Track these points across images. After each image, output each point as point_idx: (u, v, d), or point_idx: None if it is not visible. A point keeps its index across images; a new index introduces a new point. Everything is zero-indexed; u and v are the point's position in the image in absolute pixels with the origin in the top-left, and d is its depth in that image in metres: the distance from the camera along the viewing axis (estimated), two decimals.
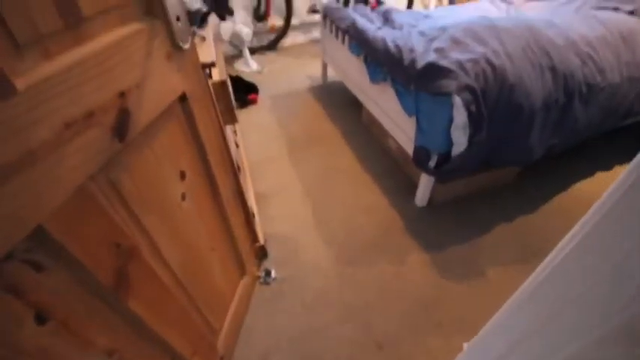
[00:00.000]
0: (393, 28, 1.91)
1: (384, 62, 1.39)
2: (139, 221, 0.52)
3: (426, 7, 3.47)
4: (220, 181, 0.80)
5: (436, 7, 3.37)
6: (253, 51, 2.93)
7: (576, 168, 1.72)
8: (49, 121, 0.35)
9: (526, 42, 1.22)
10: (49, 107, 0.35)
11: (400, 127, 1.48)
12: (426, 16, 2.12)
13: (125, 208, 0.49)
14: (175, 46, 0.55)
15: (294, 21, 2.96)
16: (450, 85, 1.07)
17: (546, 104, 1.21)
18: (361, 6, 2.06)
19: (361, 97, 1.88)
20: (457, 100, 1.06)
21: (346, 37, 1.79)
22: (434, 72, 1.12)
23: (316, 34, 3.23)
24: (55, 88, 0.36)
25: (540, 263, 0.48)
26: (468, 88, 1.07)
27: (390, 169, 1.76)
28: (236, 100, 2.27)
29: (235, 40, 2.60)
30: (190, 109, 0.62)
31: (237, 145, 1.59)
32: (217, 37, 2.53)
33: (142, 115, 0.49)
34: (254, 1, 2.72)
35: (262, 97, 2.39)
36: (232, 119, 0.92)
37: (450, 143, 1.20)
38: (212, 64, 0.73)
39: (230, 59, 2.84)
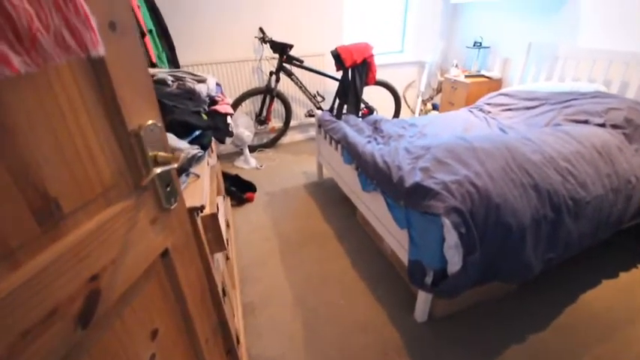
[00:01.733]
0: (382, 137, 2.07)
1: (373, 176, 1.46)
2: None
3: (412, 110, 3.83)
4: (199, 324, 0.74)
5: (421, 111, 3.72)
6: (253, 149, 3.12)
7: (580, 277, 1.65)
8: (2, 337, 0.33)
9: (505, 162, 1.30)
10: (4, 323, 0.33)
11: (393, 235, 1.47)
12: (412, 125, 2.31)
13: None
14: (162, 209, 0.56)
15: (292, 122, 3.23)
16: (438, 206, 1.09)
17: (535, 221, 1.23)
18: (352, 117, 2.27)
19: (355, 200, 1.93)
20: (447, 222, 1.07)
21: (339, 146, 1.92)
22: (422, 192, 1.17)
23: (313, 132, 3.49)
24: (18, 299, 0.34)
25: None
26: (456, 210, 1.09)
27: (387, 275, 1.69)
28: (233, 198, 2.32)
29: (237, 141, 2.79)
30: (172, 263, 0.61)
31: (227, 242, 1.55)
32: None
33: (115, 289, 0.47)
34: (256, 107, 3.01)
35: (259, 194, 2.45)
36: (221, 247, 0.91)
37: (445, 260, 1.17)
38: (201, 208, 0.74)
39: (231, 156, 3.01)
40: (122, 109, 0.46)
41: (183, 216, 0.64)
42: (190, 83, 1.13)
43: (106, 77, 0.44)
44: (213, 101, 1.32)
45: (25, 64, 0.31)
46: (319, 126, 2.28)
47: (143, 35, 1.67)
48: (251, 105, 3.04)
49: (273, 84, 2.83)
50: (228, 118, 1.33)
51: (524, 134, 1.64)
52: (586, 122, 1.92)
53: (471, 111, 2.62)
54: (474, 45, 3.18)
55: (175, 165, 0.50)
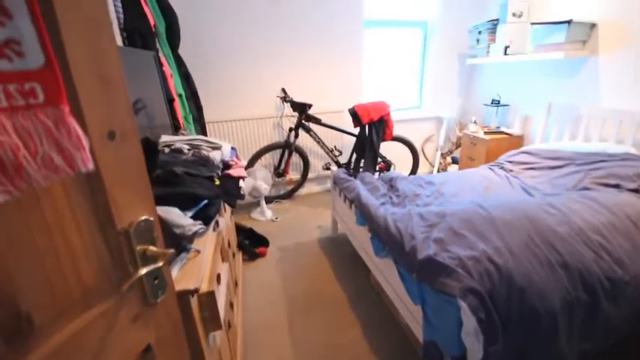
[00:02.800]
0: (397, 195, 2.03)
1: (385, 242, 1.40)
2: None
3: (431, 163, 3.80)
4: None
5: (440, 164, 3.68)
6: (271, 200, 3.15)
7: None
8: None
9: (528, 235, 1.21)
10: None
11: (408, 307, 1.36)
12: (429, 182, 2.26)
13: None
14: (147, 305, 0.55)
15: (310, 175, 3.27)
16: (453, 286, 1.01)
17: (567, 305, 1.10)
18: (368, 174, 2.26)
19: (368, 263, 1.84)
20: (463, 305, 0.98)
21: (353, 206, 1.89)
22: (435, 267, 1.09)
23: (330, 184, 3.50)
24: None
25: None
26: (473, 292, 1.00)
27: (402, 350, 1.54)
28: (245, 253, 2.29)
29: (255, 193, 2.84)
30: (154, 359, 0.58)
31: (231, 306, 1.47)
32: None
33: None
34: (275, 160, 3.09)
35: (272, 248, 2.41)
36: (217, 326, 0.87)
37: (463, 346, 1.05)
38: (195, 291, 0.72)
39: (248, 207, 3.04)
40: (113, 209, 0.47)
41: (171, 306, 0.62)
42: (205, 151, 1.18)
43: (99, 181, 0.45)
44: (227, 165, 1.36)
45: (6, 193, 0.32)
46: (334, 182, 2.28)
47: (172, 101, 1.81)
48: (270, 158, 3.13)
49: (292, 139, 2.93)
50: (241, 181, 1.36)
51: (548, 200, 1.55)
52: (617, 187, 1.80)
53: (491, 168, 2.55)
54: (492, 102, 3.20)
55: (161, 264, 0.49)
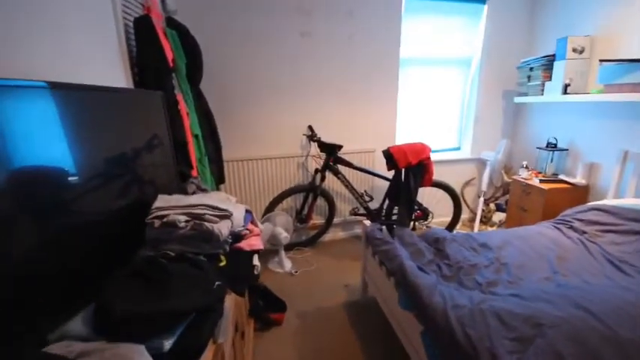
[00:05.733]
0: (448, 265, 1.64)
1: (445, 349, 1.01)
2: None
3: (472, 210, 3.36)
4: None
5: (483, 211, 3.23)
6: (291, 247, 2.81)
7: None
8: None
9: None
10: None
11: None
12: (483, 245, 1.87)
13: None
14: None
15: (336, 219, 2.92)
16: None
17: None
18: (408, 232, 1.89)
19: (411, 352, 1.43)
20: None
21: (392, 278, 1.51)
22: None
23: (358, 230, 3.13)
24: None
25: None
26: None
27: None
28: (258, 319, 1.93)
29: (273, 241, 2.51)
30: None
31: None
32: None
33: None
34: (298, 203, 2.79)
35: (289, 314, 2.04)
36: None
37: None
38: None
39: (266, 255, 2.70)
40: None
41: None
42: (209, 223, 0.88)
43: None
44: (239, 236, 1.05)
45: None
46: (366, 240, 1.92)
47: (185, 144, 1.57)
48: (292, 201, 2.83)
49: (317, 182, 2.63)
50: (255, 257, 1.04)
51: None
52: None
53: (557, 227, 2.11)
54: (547, 146, 2.79)
55: None
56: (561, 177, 2.68)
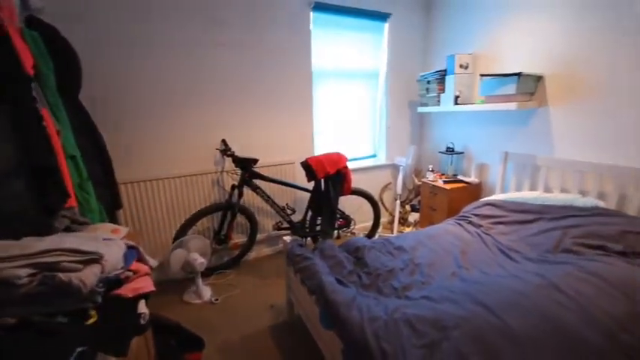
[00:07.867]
0: (368, 273, 1.65)
1: None
2: None
3: (391, 213, 3.55)
4: None
5: (400, 212, 3.44)
6: (210, 272, 2.56)
7: None
8: None
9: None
10: None
11: None
12: (399, 249, 1.95)
13: None
14: None
15: (259, 235, 2.78)
16: None
17: None
18: (329, 244, 1.87)
19: None
20: None
21: (314, 297, 1.45)
22: None
23: (283, 248, 3.03)
24: None
25: None
26: None
27: None
28: None
29: (187, 269, 2.25)
30: None
31: None
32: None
33: None
34: (215, 223, 2.57)
35: (208, 350, 1.81)
36: None
37: None
38: None
39: (180, 285, 2.41)
40: None
41: None
42: (65, 273, 0.68)
43: None
44: (118, 281, 0.86)
45: None
46: (288, 257, 1.84)
47: (55, 169, 1.27)
48: (209, 222, 2.60)
49: (235, 198, 2.46)
50: (141, 304, 0.86)
51: (550, 280, 1.28)
52: (602, 248, 1.64)
53: (459, 223, 2.34)
54: (447, 150, 3.11)
55: None
56: (460, 177, 3.01)
